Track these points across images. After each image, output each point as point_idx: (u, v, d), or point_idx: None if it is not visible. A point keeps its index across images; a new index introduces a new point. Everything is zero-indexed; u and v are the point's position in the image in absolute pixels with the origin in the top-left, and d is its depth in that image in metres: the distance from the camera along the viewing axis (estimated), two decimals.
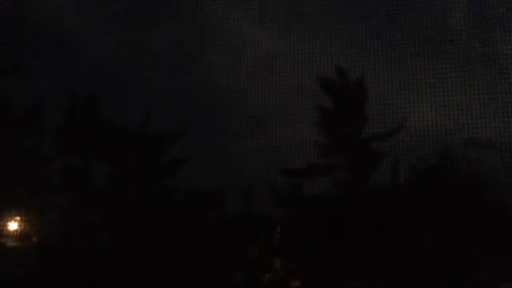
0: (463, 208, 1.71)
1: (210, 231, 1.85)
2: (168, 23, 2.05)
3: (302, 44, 1.87)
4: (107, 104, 1.97)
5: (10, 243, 1.98)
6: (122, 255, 1.84)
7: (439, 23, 1.84)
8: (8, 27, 2.01)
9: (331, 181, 1.83)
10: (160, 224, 1.84)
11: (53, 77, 1.97)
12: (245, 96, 1.94)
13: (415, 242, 1.73)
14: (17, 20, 2.05)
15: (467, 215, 1.70)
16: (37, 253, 1.93)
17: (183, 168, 1.94)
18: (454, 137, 1.75)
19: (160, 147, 1.96)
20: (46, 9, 2.09)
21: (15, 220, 1.99)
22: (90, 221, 1.87)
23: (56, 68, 1.98)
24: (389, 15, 1.84)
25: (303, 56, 1.88)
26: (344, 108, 1.86)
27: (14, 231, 1.97)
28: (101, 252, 1.88)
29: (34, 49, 2.03)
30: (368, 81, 1.81)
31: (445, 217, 1.71)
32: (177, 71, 2.01)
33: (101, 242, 1.92)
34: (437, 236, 1.72)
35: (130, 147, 1.93)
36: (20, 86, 2.02)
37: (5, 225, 1.98)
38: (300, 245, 1.83)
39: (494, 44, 1.77)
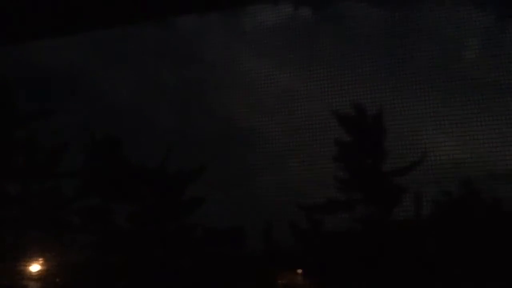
0: (487, 241, 1.68)
1: (230, 269, 1.84)
2: (183, 63, 2.09)
3: (320, 80, 1.88)
4: (125, 144, 2.00)
5: (33, 285, 1.99)
6: None
7: (458, 56, 1.84)
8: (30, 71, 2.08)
9: (352, 217, 1.81)
10: (180, 262, 1.83)
11: (73, 119, 2.01)
12: (263, 133, 1.95)
13: (439, 276, 1.69)
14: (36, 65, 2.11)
15: (490, 248, 1.66)
16: None
17: (202, 207, 1.94)
18: (474, 170, 1.73)
19: (179, 186, 1.97)
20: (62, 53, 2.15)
21: (37, 262, 2.00)
22: (111, 261, 1.87)
23: (75, 110, 2.03)
24: (405, 48, 1.85)
25: (321, 92, 1.89)
26: (363, 142, 1.85)
27: (36, 272, 1.99)
28: None
29: (54, 93, 2.08)
30: (388, 115, 1.81)
31: (468, 251, 1.68)
32: (194, 110, 2.03)
33: (122, 282, 1.92)
34: (461, 270, 1.69)
35: (149, 187, 1.95)
36: (43, 130, 2.07)
37: (28, 266, 1.99)
38: (322, 283, 1.80)
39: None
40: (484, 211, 1.75)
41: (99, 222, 1.98)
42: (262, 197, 1.87)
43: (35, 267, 2.00)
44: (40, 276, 1.98)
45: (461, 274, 1.68)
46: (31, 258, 2.00)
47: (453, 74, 1.82)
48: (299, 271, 1.84)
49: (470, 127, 1.75)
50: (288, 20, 2.01)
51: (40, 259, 2.00)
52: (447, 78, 1.82)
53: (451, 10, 1.85)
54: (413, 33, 1.88)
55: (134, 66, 2.04)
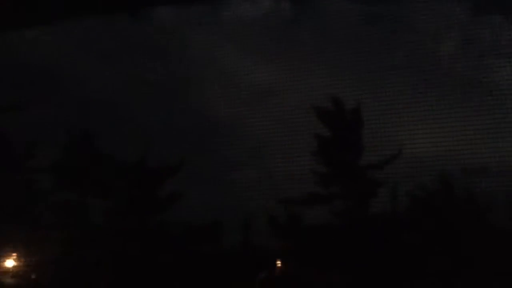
0: (461, 233, 1.72)
1: (209, 265, 1.84)
2: (162, 57, 2.07)
3: (299, 74, 1.89)
4: (103, 139, 1.98)
5: (7, 281, 1.96)
6: None
7: (434, 51, 1.86)
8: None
9: (330, 210, 1.83)
10: (158, 258, 1.83)
11: (49, 113, 1.98)
12: (242, 127, 1.95)
13: (415, 269, 1.73)
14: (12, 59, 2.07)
15: (465, 240, 1.70)
16: None
17: (180, 202, 1.93)
18: (449, 164, 1.76)
19: (157, 181, 1.96)
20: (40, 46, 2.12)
21: (12, 257, 1.97)
22: (87, 256, 1.85)
23: (52, 104, 2.00)
24: (382, 43, 1.87)
25: (300, 86, 1.90)
26: (341, 136, 1.87)
27: (11, 267, 1.96)
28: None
29: (30, 86, 2.04)
30: (365, 110, 1.83)
31: (444, 242, 1.72)
32: (172, 104, 2.02)
33: (97, 277, 1.91)
34: (437, 262, 1.72)
35: (127, 182, 1.93)
36: (16, 124, 2.03)
37: (2, 262, 1.96)
38: (300, 275, 1.82)
39: (488, 72, 1.79)
40: (458, 204, 1.79)
41: (74, 218, 1.96)
42: (241, 192, 1.88)
43: (9, 263, 1.97)
44: (14, 272, 1.95)
45: (437, 266, 1.71)
46: (4, 254, 1.97)
47: (430, 68, 1.84)
48: (278, 264, 1.85)
49: (445, 122, 1.78)
50: (267, 13, 2.01)
51: (13, 254, 1.97)
52: (423, 73, 1.84)
53: (429, 4, 1.87)
54: (391, 28, 1.90)
55: (111, 59, 2.01)
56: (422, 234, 1.76)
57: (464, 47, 1.85)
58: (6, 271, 1.94)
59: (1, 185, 2.03)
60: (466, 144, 1.74)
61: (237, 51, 2.00)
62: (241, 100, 1.96)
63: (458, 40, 1.87)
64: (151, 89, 2.00)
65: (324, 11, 1.96)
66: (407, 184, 1.78)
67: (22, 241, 1.95)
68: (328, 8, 1.96)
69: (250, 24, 2.01)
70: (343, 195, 1.86)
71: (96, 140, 1.99)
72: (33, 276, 1.95)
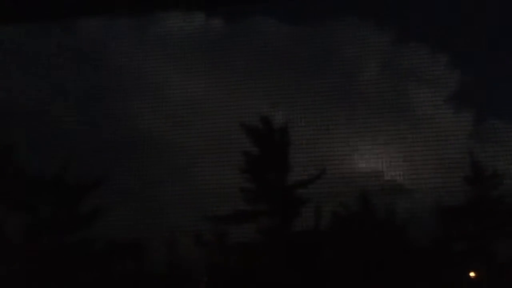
0: (380, 250, 1.79)
1: (132, 283, 1.78)
2: (85, 66, 2.00)
3: (228, 91, 1.90)
4: (21, 151, 1.87)
5: None
6: None
7: (357, 75, 1.94)
8: None
9: (256, 228, 1.84)
10: (79, 277, 1.74)
11: None
12: (169, 142, 1.92)
13: (338, 286, 1.77)
14: None
15: (384, 257, 1.77)
16: None
17: (102, 218, 1.86)
18: (371, 183, 1.83)
19: (78, 196, 1.87)
20: None
21: None
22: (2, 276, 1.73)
23: None
24: (309, 63, 1.93)
25: (227, 102, 1.91)
26: (268, 154, 1.89)
27: None
28: None
29: None
30: (291, 128, 1.86)
31: (366, 259, 1.77)
32: (97, 117, 1.95)
33: None
34: (359, 278, 1.77)
35: (46, 197, 1.84)
36: None
37: None
38: None
39: (405, 96, 1.89)
40: (377, 222, 1.86)
41: None
42: (167, 208, 1.84)
43: None
44: None
45: (357, 283, 1.77)
46: None
47: (353, 92, 1.92)
48: (204, 282, 1.83)
49: (366, 144, 1.86)
50: (199, 30, 2.00)
51: None
52: (346, 95, 1.92)
53: (353, 30, 1.95)
54: (318, 50, 1.96)
55: (34, 68, 1.91)
56: (345, 252, 1.81)
57: (384, 73, 1.94)
58: None
59: None
60: (385, 164, 1.82)
61: (166, 65, 1.97)
62: (169, 115, 1.93)
63: (379, 66, 1.96)
64: (75, 101, 1.92)
65: (255, 30, 1.99)
66: (330, 203, 1.84)
67: None
68: (259, 27, 1.99)
69: (181, 39, 2.00)
70: (269, 212, 1.87)
71: (14, 152, 1.88)
72: None
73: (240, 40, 1.98)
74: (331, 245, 1.86)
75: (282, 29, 1.95)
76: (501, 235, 1.80)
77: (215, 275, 1.82)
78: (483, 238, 1.80)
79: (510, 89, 1.79)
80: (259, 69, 1.92)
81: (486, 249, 1.80)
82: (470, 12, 1.86)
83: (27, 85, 1.91)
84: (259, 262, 1.79)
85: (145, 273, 1.81)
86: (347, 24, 1.93)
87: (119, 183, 1.86)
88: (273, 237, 1.84)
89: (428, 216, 1.78)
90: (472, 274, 1.79)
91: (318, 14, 1.98)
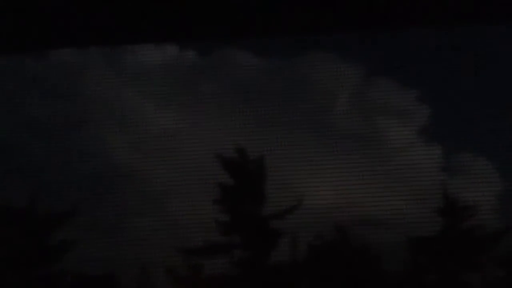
0: (357, 280, 1.79)
1: None
2: (59, 98, 1.98)
3: (202, 123, 1.90)
4: None
5: None
6: None
7: (330, 107, 1.97)
8: None
9: (231, 260, 1.82)
10: None
11: None
12: (141, 174, 1.90)
13: None
14: None
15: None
16: None
17: (73, 251, 1.82)
18: (346, 215, 1.84)
19: (48, 228, 1.83)
20: None
21: None
22: None
23: None
24: (283, 97, 1.95)
25: (201, 134, 1.91)
26: (243, 186, 1.88)
27: None
28: None
29: None
30: (268, 161, 1.87)
31: None
32: (67, 148, 1.92)
33: None
34: None
35: (14, 228, 1.78)
36: None
37: None
38: None
39: (378, 130, 1.93)
40: (354, 254, 1.87)
41: None
42: (139, 241, 1.81)
43: None
44: None
45: None
46: None
47: (327, 124, 1.94)
48: None
49: (341, 175, 1.87)
50: (171, 60, 2.01)
51: None
52: (321, 128, 1.94)
53: (324, 63, 1.98)
54: (289, 82, 1.99)
55: (5, 99, 1.88)
56: (320, 282, 1.81)
57: (356, 106, 1.98)
58: None
59: None
60: (359, 196, 1.84)
61: (138, 96, 1.97)
62: (141, 146, 1.92)
63: (350, 99, 1.99)
64: (44, 131, 1.89)
65: (228, 62, 2.01)
66: (306, 234, 1.84)
67: None
68: (232, 59, 2.01)
69: (153, 70, 2.00)
70: (243, 245, 1.86)
71: None
72: None
73: (214, 72, 1.99)
74: (307, 276, 1.85)
75: (255, 62, 1.98)
76: (472, 266, 1.83)
77: None
78: (455, 270, 1.82)
79: (480, 121, 1.84)
80: (233, 101, 1.93)
81: (458, 280, 1.82)
82: (442, 46, 1.92)
83: None
84: None
85: None
86: (320, 59, 1.97)
87: (90, 215, 1.83)
88: (248, 270, 1.82)
89: (401, 247, 1.80)
90: None
91: (291, 48, 2.01)
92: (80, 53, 1.99)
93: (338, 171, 1.87)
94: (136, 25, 1.79)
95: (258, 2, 1.74)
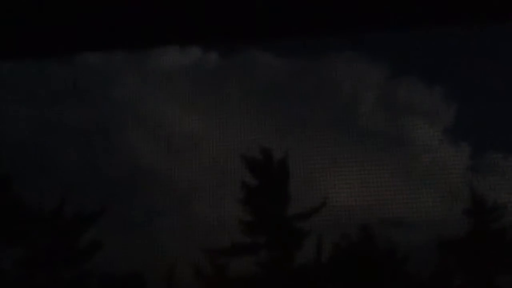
0: (383, 281, 1.78)
1: None
2: (86, 101, 2.01)
3: (227, 124, 1.91)
4: (18, 184, 1.87)
5: None
6: None
7: (354, 107, 1.96)
8: None
9: (255, 261, 1.82)
10: None
11: None
12: (167, 175, 1.92)
13: None
14: None
15: None
16: None
17: (101, 252, 1.85)
18: (372, 215, 1.83)
19: (76, 229, 1.86)
20: None
21: None
22: None
23: None
24: (308, 99, 1.95)
25: (226, 135, 1.92)
26: (268, 186, 1.89)
27: None
28: None
29: None
30: (292, 162, 1.87)
31: None
32: (94, 151, 1.96)
33: None
34: None
35: (43, 229, 1.82)
36: None
37: None
38: None
39: (404, 130, 1.91)
40: (380, 254, 1.85)
41: None
42: (165, 242, 1.83)
43: None
44: None
45: None
46: None
47: (352, 124, 1.93)
48: None
49: (367, 176, 1.86)
50: (195, 63, 2.03)
51: None
52: (346, 128, 1.93)
53: (349, 63, 1.97)
54: (314, 83, 1.98)
55: (32, 102, 1.92)
56: (346, 283, 1.80)
57: (381, 105, 1.96)
58: None
59: None
60: (385, 197, 1.82)
61: (164, 98, 1.99)
62: (167, 148, 1.94)
63: (375, 99, 1.98)
64: (73, 135, 1.93)
65: (251, 64, 2.02)
66: (331, 235, 1.83)
67: None
68: (254, 60, 2.02)
69: (177, 72, 2.02)
70: (268, 245, 1.86)
71: (11, 185, 1.87)
72: None
73: (237, 74, 2.00)
74: (332, 277, 1.84)
75: (278, 63, 1.98)
76: (502, 268, 1.79)
77: None
78: (484, 271, 1.79)
79: (507, 120, 1.81)
80: (257, 102, 1.94)
81: (488, 282, 1.79)
82: (467, 45, 1.89)
83: (26, 119, 1.92)
84: None
85: None
86: (344, 59, 1.96)
87: (118, 216, 1.86)
88: (274, 270, 1.82)
89: (428, 248, 1.77)
90: None
91: (314, 49, 2.01)
92: (105, 57, 2.03)
93: (364, 171, 1.86)
94: (160, 28, 1.81)
95: (281, 3, 1.74)
